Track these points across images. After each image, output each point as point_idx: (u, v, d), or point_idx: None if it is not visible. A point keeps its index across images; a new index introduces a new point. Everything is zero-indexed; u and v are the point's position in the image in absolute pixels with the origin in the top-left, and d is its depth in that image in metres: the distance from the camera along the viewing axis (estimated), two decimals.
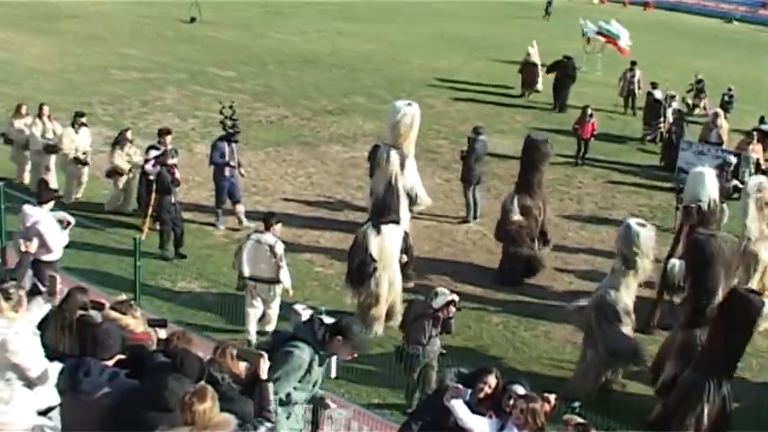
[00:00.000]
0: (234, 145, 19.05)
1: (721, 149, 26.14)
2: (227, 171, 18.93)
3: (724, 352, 12.17)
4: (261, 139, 26.04)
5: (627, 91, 34.64)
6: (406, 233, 16.04)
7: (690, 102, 34.52)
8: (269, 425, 7.31)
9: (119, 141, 19.42)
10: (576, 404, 9.88)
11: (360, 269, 15.29)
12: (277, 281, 14.49)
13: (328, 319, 8.55)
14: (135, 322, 8.02)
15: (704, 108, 34.83)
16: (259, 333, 14.73)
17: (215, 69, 35.58)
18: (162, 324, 8.57)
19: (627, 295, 13.90)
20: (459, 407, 8.60)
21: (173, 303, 15.77)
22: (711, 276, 13.40)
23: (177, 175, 17.97)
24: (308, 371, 8.19)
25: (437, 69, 39.59)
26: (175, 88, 31.89)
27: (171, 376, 6.80)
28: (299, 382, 8.20)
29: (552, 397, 9.02)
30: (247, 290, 14.56)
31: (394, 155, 15.29)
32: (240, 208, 19.30)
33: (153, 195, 17.87)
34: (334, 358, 10.65)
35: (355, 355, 8.60)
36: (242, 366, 7.79)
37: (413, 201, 18.35)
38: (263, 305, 14.67)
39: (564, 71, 33.93)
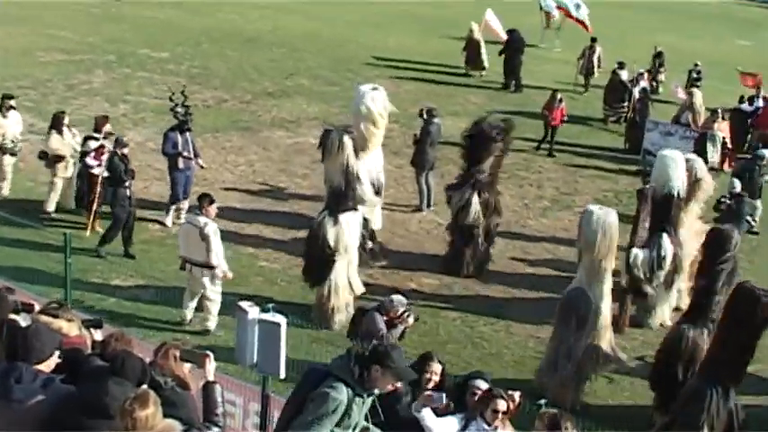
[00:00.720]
0: (188, 134, 18.89)
1: (689, 130, 26.53)
2: (181, 162, 18.73)
3: (728, 355, 11.78)
4: (198, 124, 25.69)
5: (586, 69, 34.89)
6: (365, 219, 16.25)
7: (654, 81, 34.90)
8: (217, 430, 7.32)
9: (54, 126, 18.93)
10: (542, 401, 9.99)
11: (318, 261, 15.48)
12: (207, 264, 14.77)
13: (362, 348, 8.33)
14: (68, 325, 7.96)
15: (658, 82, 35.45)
16: (198, 333, 14.80)
17: (146, 50, 35.31)
18: (97, 325, 8.52)
19: (599, 292, 13.83)
20: (428, 416, 8.61)
21: (107, 303, 15.70)
22: (723, 273, 13.26)
23: (131, 165, 17.82)
24: (347, 413, 7.87)
25: (386, 48, 39.61)
26: (104, 71, 31.62)
27: (111, 380, 6.77)
28: (338, 426, 7.90)
29: (517, 395, 9.13)
30: (187, 271, 15.09)
31: (347, 140, 15.35)
32: (185, 205, 19.09)
33: (98, 190, 17.81)
34: (282, 360, 10.61)
35: (399, 386, 8.29)
36: (186, 368, 7.79)
37: (378, 191, 18.66)
38: (201, 293, 15.04)
39: (512, 46, 33.97)
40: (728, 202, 19.20)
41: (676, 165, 15.94)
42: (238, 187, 21.74)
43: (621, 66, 31.01)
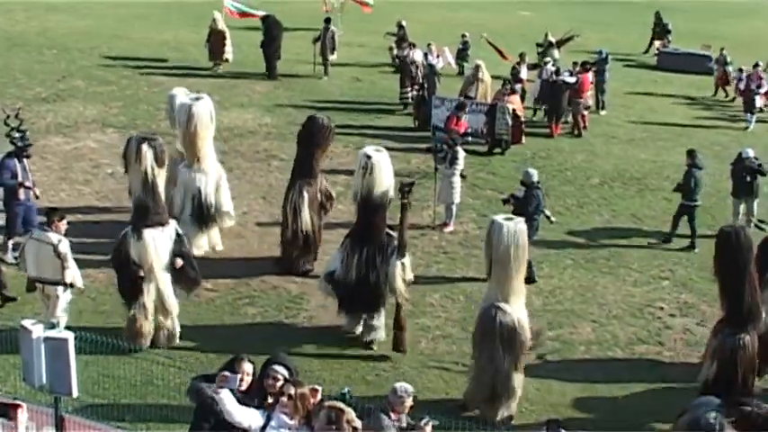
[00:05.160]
0: (26, 161, 17.93)
1: (477, 102, 27.22)
2: (21, 193, 17.68)
3: None
4: None
5: (323, 50, 34.45)
6: (179, 235, 15.34)
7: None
8: None
9: None
10: (346, 389, 10.17)
11: (126, 279, 14.94)
12: (62, 282, 14.52)
13: None
14: None
15: (397, 58, 35.88)
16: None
17: None
18: None
19: (518, 306, 13.73)
20: (227, 399, 8.83)
21: None
22: (738, 273, 13.45)
23: None
24: None
25: (164, 42, 39.02)
26: None
27: None
28: None
29: (319, 388, 9.32)
30: (38, 292, 14.87)
31: (146, 148, 14.67)
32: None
33: None
34: (74, 378, 10.42)
35: None
36: None
37: (210, 214, 18.60)
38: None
39: (268, 33, 33.65)
40: (516, 194, 18.96)
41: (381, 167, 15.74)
42: None
43: (413, 45, 31.46)
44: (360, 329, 15.98)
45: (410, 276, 15.78)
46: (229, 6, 35.84)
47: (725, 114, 34.01)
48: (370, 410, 10.15)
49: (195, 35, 39.93)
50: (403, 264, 15.41)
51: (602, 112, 32.00)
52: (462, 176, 21.80)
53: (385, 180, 15.66)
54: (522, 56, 32.08)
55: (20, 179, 17.74)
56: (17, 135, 17.92)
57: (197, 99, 18.58)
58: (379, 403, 10.83)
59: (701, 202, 21.11)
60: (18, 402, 7.66)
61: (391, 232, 15.66)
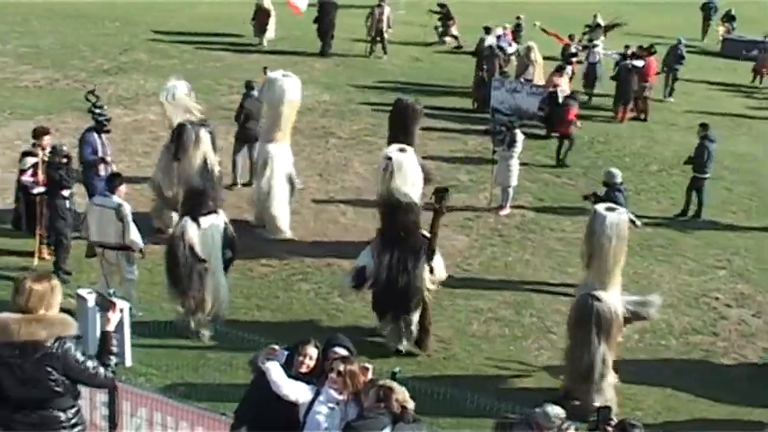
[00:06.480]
0: (104, 136, 17.90)
1: (535, 86, 27.02)
2: (101, 169, 17.53)
3: None
4: (29, 106, 25.22)
5: (375, 30, 34.51)
6: (226, 224, 14.91)
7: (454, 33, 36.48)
8: (102, 370, 7.91)
9: None
10: (397, 369, 10.11)
11: (185, 271, 14.35)
12: (125, 247, 14.58)
13: None
14: None
15: (454, 37, 36.62)
16: None
17: None
18: None
19: (615, 295, 13.59)
20: (274, 370, 8.84)
21: None
22: None
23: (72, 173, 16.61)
24: None
25: (230, 18, 39.08)
26: None
27: None
28: None
29: (370, 366, 9.26)
30: (98, 257, 14.86)
31: (204, 134, 14.39)
32: None
33: (39, 212, 16.48)
34: (128, 347, 10.51)
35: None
36: None
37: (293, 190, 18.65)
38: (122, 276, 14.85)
39: (322, 10, 33.85)
40: (597, 193, 17.84)
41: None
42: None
43: (488, 30, 31.20)
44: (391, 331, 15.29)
45: (443, 276, 15.25)
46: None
47: None
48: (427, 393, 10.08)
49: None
50: (432, 267, 14.76)
51: (671, 99, 31.75)
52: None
53: (407, 182, 14.70)
54: (571, 37, 32.04)
55: (100, 154, 17.73)
56: (97, 111, 17.91)
57: (285, 76, 18.29)
58: (523, 415, 10.05)
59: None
60: (114, 301, 8.63)
61: (427, 234, 14.90)
